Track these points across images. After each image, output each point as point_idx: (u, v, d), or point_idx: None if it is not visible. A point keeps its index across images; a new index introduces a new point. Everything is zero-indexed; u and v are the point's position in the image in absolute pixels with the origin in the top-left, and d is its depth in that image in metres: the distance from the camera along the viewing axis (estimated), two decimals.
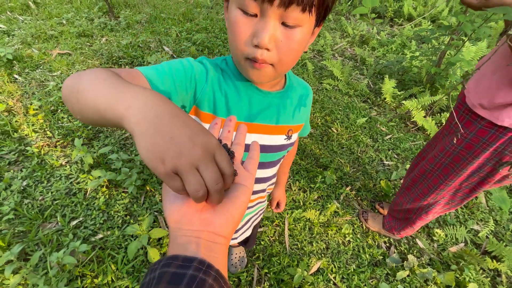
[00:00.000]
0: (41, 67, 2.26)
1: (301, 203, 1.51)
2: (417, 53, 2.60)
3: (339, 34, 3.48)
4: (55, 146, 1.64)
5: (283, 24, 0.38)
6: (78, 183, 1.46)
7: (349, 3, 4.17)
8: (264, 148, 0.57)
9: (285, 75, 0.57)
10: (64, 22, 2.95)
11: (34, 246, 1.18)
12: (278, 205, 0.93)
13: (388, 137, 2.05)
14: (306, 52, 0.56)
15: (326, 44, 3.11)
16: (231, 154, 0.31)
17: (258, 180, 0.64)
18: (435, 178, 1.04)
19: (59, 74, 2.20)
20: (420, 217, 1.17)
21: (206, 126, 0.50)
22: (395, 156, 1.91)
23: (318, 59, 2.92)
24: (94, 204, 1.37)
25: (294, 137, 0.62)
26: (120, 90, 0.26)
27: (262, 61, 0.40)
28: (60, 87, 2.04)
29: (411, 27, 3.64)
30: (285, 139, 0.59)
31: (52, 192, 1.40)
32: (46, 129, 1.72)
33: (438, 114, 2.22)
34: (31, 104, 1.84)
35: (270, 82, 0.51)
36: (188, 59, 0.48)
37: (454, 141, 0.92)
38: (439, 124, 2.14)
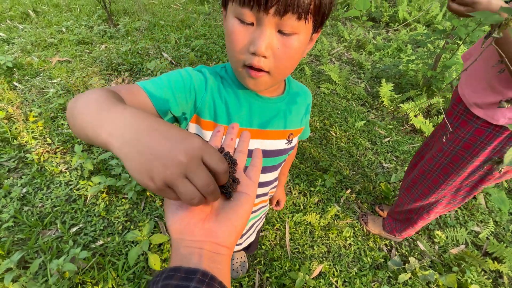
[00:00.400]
0: (41, 74, 2.27)
1: (302, 207, 1.51)
2: (413, 57, 2.64)
3: (336, 39, 3.53)
4: (55, 153, 1.64)
5: (280, 32, 0.38)
6: (78, 189, 1.46)
7: (345, 8, 4.24)
8: (266, 153, 0.58)
9: (284, 80, 0.58)
10: (64, 30, 2.98)
11: (34, 254, 1.17)
12: (278, 203, 0.94)
13: (386, 139, 2.06)
14: (303, 57, 0.58)
15: (323, 49, 3.15)
16: (233, 162, 0.31)
17: (260, 184, 0.64)
18: (435, 178, 1.05)
19: (58, 81, 2.21)
20: (421, 216, 1.18)
21: (207, 133, 0.51)
22: (394, 158, 1.92)
23: (315, 64, 2.95)
24: (94, 210, 1.37)
25: (295, 141, 0.63)
26: (102, 116, 0.27)
27: (259, 68, 0.41)
28: (60, 94, 2.05)
29: (407, 31, 3.70)
30: (285, 143, 0.60)
31: (51, 199, 1.40)
32: (46, 136, 1.72)
33: (436, 117, 2.24)
34: (30, 111, 1.85)
35: (268, 89, 0.51)
36: (186, 69, 0.49)
37: (443, 140, 0.93)
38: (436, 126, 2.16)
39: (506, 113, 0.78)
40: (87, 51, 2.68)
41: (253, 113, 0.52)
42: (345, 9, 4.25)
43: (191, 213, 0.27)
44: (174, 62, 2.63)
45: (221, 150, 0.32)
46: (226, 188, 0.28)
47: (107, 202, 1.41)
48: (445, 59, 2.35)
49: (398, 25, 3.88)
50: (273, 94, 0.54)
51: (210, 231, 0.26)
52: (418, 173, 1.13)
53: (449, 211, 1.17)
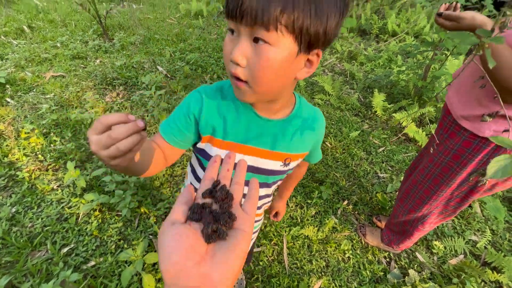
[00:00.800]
0: (34, 90, 2.26)
1: (299, 220, 1.50)
2: (404, 67, 2.70)
3: (328, 50, 3.60)
4: (47, 170, 1.61)
5: (255, 40, 0.39)
6: (70, 207, 1.42)
7: None
8: (259, 171, 0.58)
9: (296, 105, 0.56)
10: (59, 45, 2.99)
11: (22, 277, 1.13)
12: (276, 214, 0.93)
13: (381, 149, 2.08)
14: (299, 79, 0.54)
15: None
16: (229, 197, 0.30)
17: None
18: (426, 189, 1.06)
19: (52, 96, 2.20)
20: (417, 228, 1.18)
21: (205, 145, 0.55)
22: (389, 168, 1.93)
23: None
24: (86, 229, 1.33)
25: (293, 164, 0.62)
26: None
27: (235, 75, 0.42)
28: (53, 110, 2.03)
29: (396, 42, 3.80)
30: (281, 165, 0.59)
31: (42, 218, 1.36)
32: (37, 152, 1.69)
33: (428, 125, 2.28)
34: (22, 128, 1.82)
35: (256, 103, 0.52)
36: (189, 96, 0.55)
37: (431, 151, 0.94)
38: (429, 135, 2.19)
39: (491, 125, 0.80)
40: (82, 65, 2.68)
41: (250, 131, 0.53)
42: None
43: (185, 256, 0.25)
44: (169, 76, 2.64)
45: (217, 183, 0.32)
46: (219, 229, 0.27)
47: (100, 220, 1.37)
48: (435, 69, 2.41)
49: (387, 37, 4.00)
50: (276, 116, 0.54)
51: (205, 276, 0.25)
52: (411, 184, 1.15)
53: (444, 222, 1.16)
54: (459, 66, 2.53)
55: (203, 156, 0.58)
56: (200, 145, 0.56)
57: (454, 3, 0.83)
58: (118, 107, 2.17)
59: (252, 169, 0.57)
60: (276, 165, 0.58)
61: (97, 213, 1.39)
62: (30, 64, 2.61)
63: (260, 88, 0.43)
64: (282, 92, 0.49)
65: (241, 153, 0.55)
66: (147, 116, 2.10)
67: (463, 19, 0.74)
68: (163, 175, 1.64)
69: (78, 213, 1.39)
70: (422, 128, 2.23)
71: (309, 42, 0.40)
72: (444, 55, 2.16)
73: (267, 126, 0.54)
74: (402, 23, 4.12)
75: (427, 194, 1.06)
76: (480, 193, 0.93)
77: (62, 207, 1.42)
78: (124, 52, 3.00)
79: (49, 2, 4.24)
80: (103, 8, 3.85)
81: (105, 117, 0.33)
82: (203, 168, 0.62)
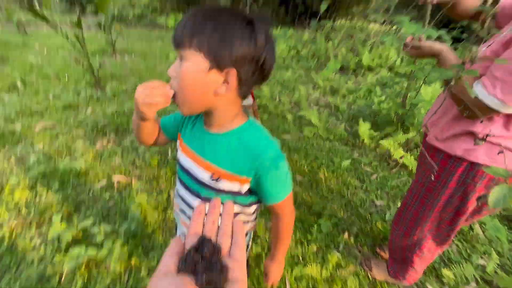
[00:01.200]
0: (22, 142, 2.24)
1: (300, 258, 1.42)
2: (383, 97, 2.88)
3: (311, 86, 3.85)
4: (30, 224, 1.51)
5: (181, 59, 0.51)
6: (53, 265, 1.31)
7: (315, 61, 4.75)
8: (189, 174, 0.65)
9: (240, 127, 0.58)
10: (51, 97, 3.06)
11: None
12: (266, 276, 0.80)
13: (374, 176, 2.10)
14: (218, 96, 0.52)
15: (301, 95, 3.40)
16: (217, 250, 0.29)
17: (189, 206, 0.69)
18: (415, 211, 1.07)
19: (41, 147, 2.18)
20: (415, 253, 1.14)
21: (177, 142, 0.71)
22: (385, 195, 1.93)
23: (296, 110, 3.14)
24: None
25: (225, 184, 0.60)
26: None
27: (170, 87, 0.54)
28: (42, 162, 1.99)
29: (372, 75, 4.12)
30: (209, 178, 0.60)
31: (20, 281, 1.23)
32: (21, 206, 1.61)
33: (415, 150, 2.35)
34: (7, 182, 1.76)
35: (206, 118, 0.62)
36: None
37: (432, 178, 0.96)
38: (417, 159, 2.25)
39: (461, 144, 0.85)
40: (73, 115, 2.72)
41: (194, 138, 0.65)
42: (315, 61, 4.75)
43: None
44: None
45: (201, 239, 0.30)
46: (215, 279, 0.26)
47: (85, 279, 1.26)
48: (412, 97, 2.59)
49: (364, 71, 4.35)
50: (213, 130, 0.61)
51: None
52: (402, 206, 1.16)
53: (445, 248, 1.13)
54: (432, 92, 2.73)
55: (178, 155, 0.69)
56: (177, 143, 0.70)
57: (419, 35, 0.94)
58: (109, 153, 2.16)
59: (187, 171, 0.65)
60: (204, 176, 0.61)
61: (82, 270, 1.28)
62: (20, 116, 2.63)
63: (181, 96, 0.53)
64: (209, 105, 0.54)
65: (184, 153, 0.65)
66: (139, 159, 2.08)
67: (424, 48, 0.87)
68: (155, 221, 1.57)
69: (61, 272, 1.28)
70: (410, 152, 2.30)
71: (215, 59, 0.48)
72: (418, 84, 2.34)
73: (204, 135, 0.62)
74: (376, 58, 4.52)
75: (416, 215, 1.07)
76: (466, 215, 0.94)
77: (44, 266, 1.30)
78: (116, 99, 3.09)
79: (44, 57, 4.45)
80: (96, 60, 4.07)
81: (153, 81, 0.52)
82: (179, 169, 0.69)
